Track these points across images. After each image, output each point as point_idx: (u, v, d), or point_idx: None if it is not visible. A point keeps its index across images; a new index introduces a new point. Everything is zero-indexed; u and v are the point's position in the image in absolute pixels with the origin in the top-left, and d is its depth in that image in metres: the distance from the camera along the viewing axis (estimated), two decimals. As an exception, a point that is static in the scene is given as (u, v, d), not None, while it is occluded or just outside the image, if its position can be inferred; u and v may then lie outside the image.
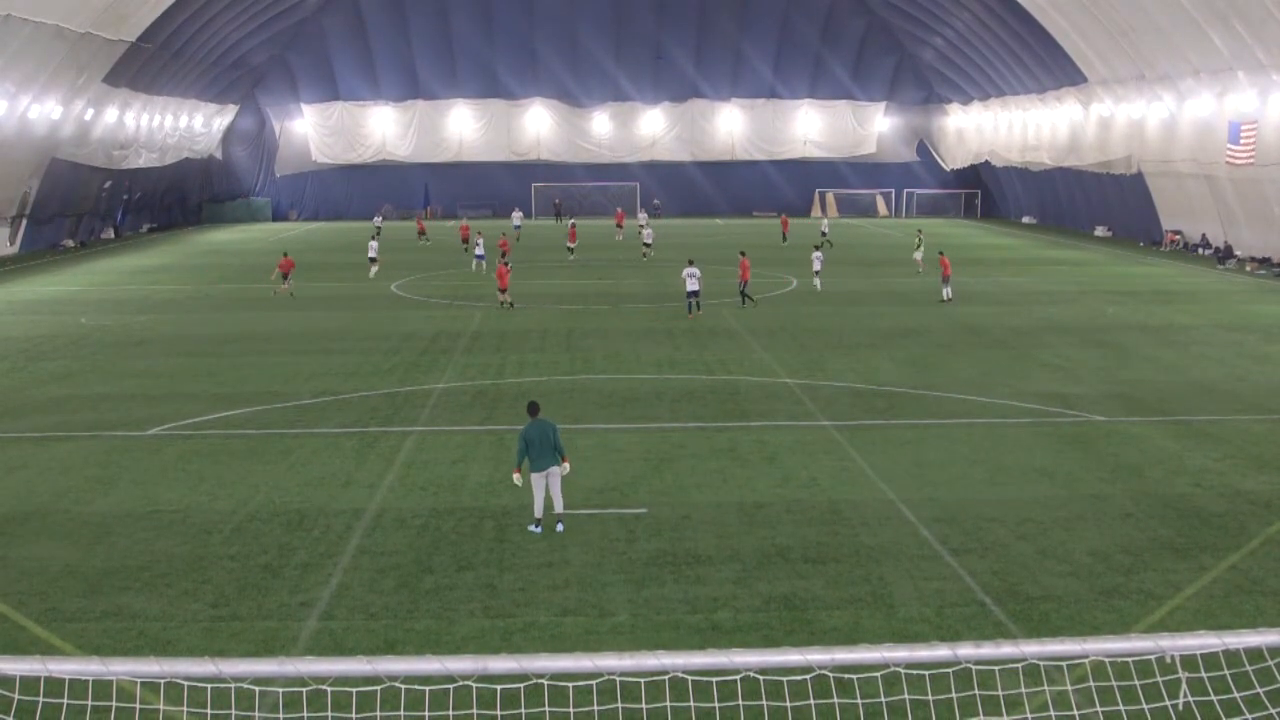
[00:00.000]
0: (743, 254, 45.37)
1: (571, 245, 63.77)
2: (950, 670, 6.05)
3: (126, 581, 16.40)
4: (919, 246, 57.43)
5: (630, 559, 17.15)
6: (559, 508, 18.21)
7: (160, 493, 20.68)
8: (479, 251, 57.14)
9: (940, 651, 5.70)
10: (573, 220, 75.17)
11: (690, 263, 42.97)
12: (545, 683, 6.26)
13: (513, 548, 17.59)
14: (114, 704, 7.67)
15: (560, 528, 18.14)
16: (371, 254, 55.57)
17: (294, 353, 34.95)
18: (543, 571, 16.66)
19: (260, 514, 19.42)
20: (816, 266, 49.98)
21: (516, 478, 18.15)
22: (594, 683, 5.96)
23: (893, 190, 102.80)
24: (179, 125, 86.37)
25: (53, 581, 16.43)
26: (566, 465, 18.32)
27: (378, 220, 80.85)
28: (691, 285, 41.62)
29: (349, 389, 29.46)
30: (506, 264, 45.16)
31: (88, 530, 18.71)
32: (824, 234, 67.98)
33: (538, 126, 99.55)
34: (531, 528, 18.19)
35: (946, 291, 45.10)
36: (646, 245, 64.36)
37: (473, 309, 43.77)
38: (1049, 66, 77.21)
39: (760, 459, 22.61)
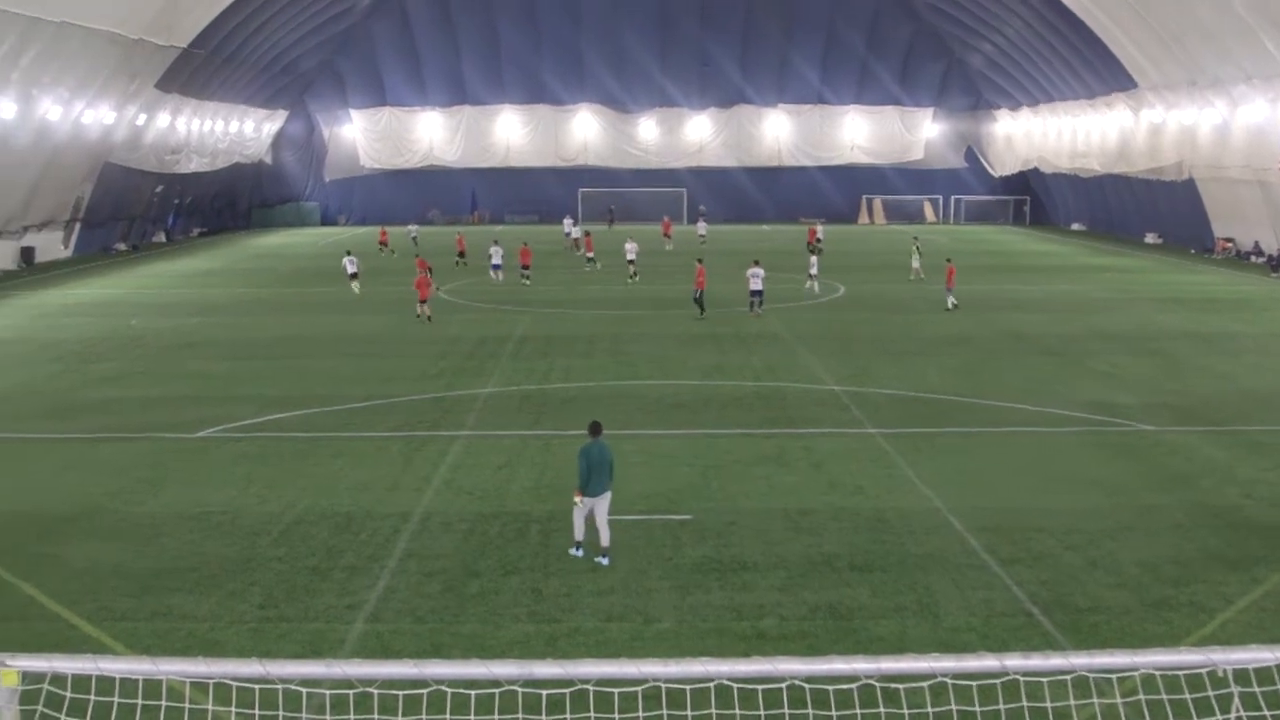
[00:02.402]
0: (699, 261, 45.77)
1: (591, 255, 61.80)
2: (998, 681, 5.98)
3: (176, 582, 16.57)
4: (916, 254, 56.05)
5: (675, 565, 17.14)
6: (605, 541, 17.26)
7: (209, 494, 20.86)
8: (496, 261, 55.04)
9: (988, 662, 5.65)
10: (588, 230, 72.76)
11: (755, 263, 44.09)
12: (590, 688, 6.26)
13: (558, 552, 17.61)
14: (164, 703, 7.74)
15: (605, 561, 17.16)
16: (351, 270, 51.57)
17: (342, 356, 35.18)
18: (588, 577, 16.68)
19: (308, 516, 19.56)
20: (813, 270, 50.83)
21: (578, 500, 17.26)
22: (639, 689, 5.96)
23: (940, 196, 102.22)
24: (229, 130, 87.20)
25: (103, 581, 16.61)
26: (608, 494, 17.33)
27: (412, 230, 77.43)
28: (755, 285, 43.02)
29: (396, 393, 29.61)
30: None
31: (138, 531, 18.90)
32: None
33: (585, 132, 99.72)
34: (573, 551, 17.43)
35: (951, 300, 44.60)
36: (630, 261, 56.21)
37: (519, 314, 43.88)
38: (1099, 72, 76.56)
39: (806, 466, 22.54)
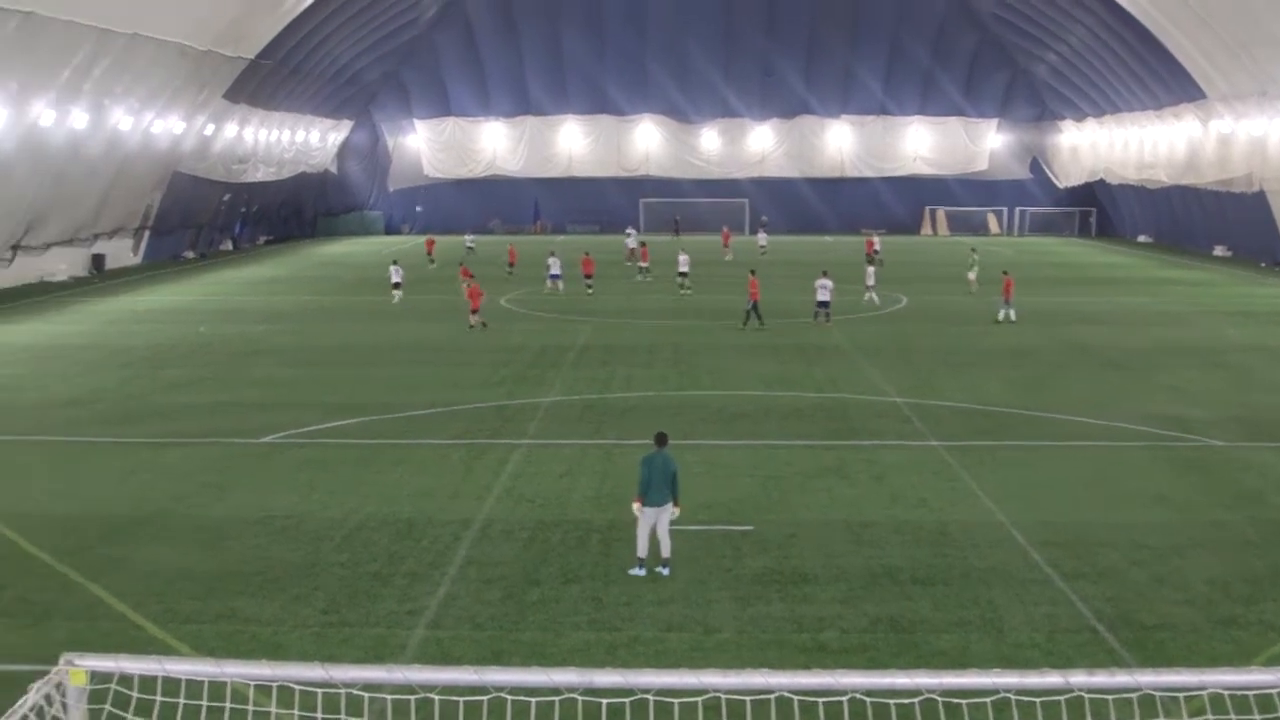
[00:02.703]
0: (752, 272, 45.09)
1: (645, 265, 61.84)
2: (1062, 698, 5.92)
3: (240, 585, 16.74)
4: (973, 266, 55.40)
5: (736, 576, 17.09)
6: (666, 551, 17.17)
7: (273, 499, 21.07)
8: (554, 271, 54.82)
9: (1052, 679, 5.60)
10: (644, 240, 72.24)
11: (824, 274, 44.34)
12: (650, 698, 6.25)
13: (619, 561, 17.61)
14: (228, 705, 7.82)
15: (665, 572, 17.06)
16: (395, 279, 51.64)
17: (405, 364, 35.44)
18: (648, 586, 16.67)
19: (370, 522, 19.69)
20: (870, 281, 50.50)
21: (637, 508, 17.14)
22: (699, 699, 5.95)
23: (1005, 208, 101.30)
24: (295, 140, 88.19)
25: (170, 583, 16.82)
26: (676, 510, 17.18)
27: (468, 240, 77.36)
28: (822, 295, 43.29)
29: (458, 400, 29.75)
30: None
31: (204, 534, 19.12)
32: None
33: (647, 142, 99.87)
34: (634, 570, 17.14)
35: (1006, 313, 44.03)
36: (681, 274, 55.27)
37: (581, 323, 44.01)
38: (1166, 82, 75.59)
39: (868, 478, 22.41)
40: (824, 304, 43.29)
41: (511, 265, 62.58)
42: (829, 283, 43.64)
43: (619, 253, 72.16)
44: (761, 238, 79.86)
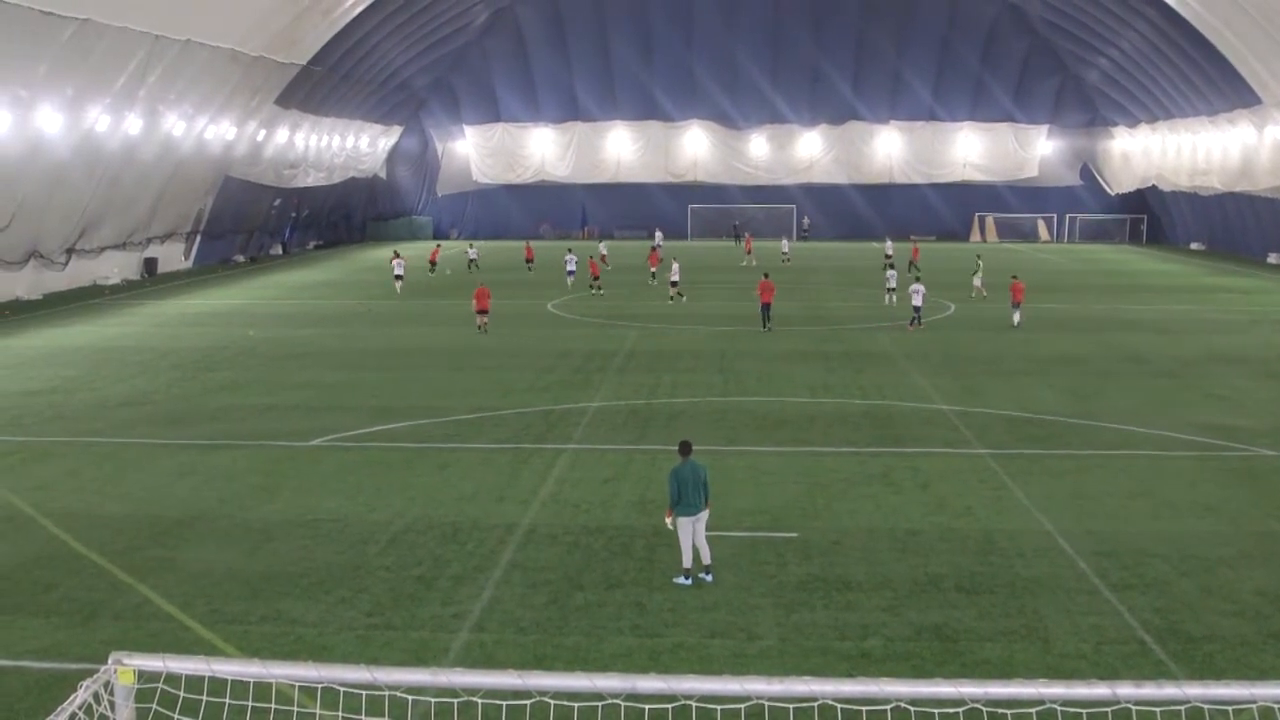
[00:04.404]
0: (765, 275, 46.02)
1: (654, 271, 62.02)
2: (1109, 709, 5.86)
3: (286, 587, 16.86)
4: (978, 271, 55.64)
5: (780, 583, 17.04)
6: (706, 558, 17.19)
7: (320, 502, 21.21)
8: (570, 268, 59.51)
9: (1099, 690, 5.54)
10: (656, 245, 73.08)
11: (917, 279, 45.23)
12: (693, 704, 6.25)
13: (662, 567, 17.59)
14: (273, 705, 7.88)
15: (709, 578, 17.06)
16: (398, 271, 56.88)
17: (452, 369, 35.56)
18: (691, 593, 16.64)
19: (416, 526, 19.77)
20: (892, 284, 51.16)
21: (669, 521, 17.22)
22: (742, 706, 5.94)
23: (1055, 215, 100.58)
24: (345, 145, 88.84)
25: (216, 584, 16.97)
26: (706, 512, 17.18)
27: (471, 253, 71.32)
28: (916, 300, 43.89)
29: (504, 405, 29.85)
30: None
31: (250, 536, 19.28)
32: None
33: (695, 148, 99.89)
34: (679, 579, 17.07)
35: (1016, 317, 44.30)
36: (673, 283, 53.87)
37: (627, 329, 44.04)
38: (1220, 88, 74.74)
39: (914, 486, 22.29)
40: (917, 310, 43.86)
41: (530, 261, 68.37)
42: (922, 288, 44.26)
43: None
44: (785, 245, 79.27)
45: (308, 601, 16.33)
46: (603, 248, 71.24)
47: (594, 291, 56.04)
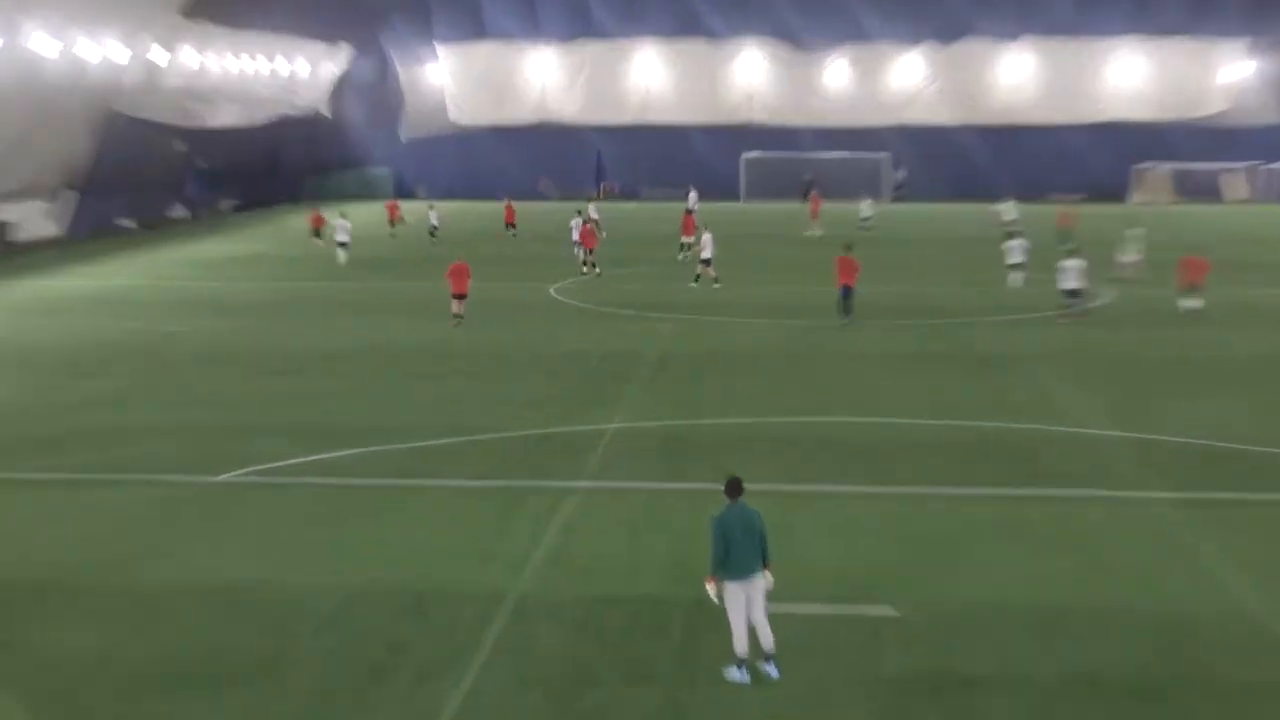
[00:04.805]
0: (848, 248, 45.39)
1: (687, 240, 62.44)
2: None
3: (179, 682, 16.63)
4: (1132, 242, 55.95)
5: (874, 678, 16.79)
6: (768, 643, 16.92)
7: (230, 561, 21.08)
8: (575, 236, 61.21)
9: None
10: (690, 209, 73.34)
11: (1070, 253, 45.13)
12: None
13: (709, 653, 17.33)
14: None
15: (774, 672, 16.80)
16: (341, 237, 60.69)
17: (417, 375, 35.66)
18: (749, 691, 16.40)
19: (365, 595, 19.60)
20: (1016, 258, 52.05)
21: (711, 588, 16.95)
22: None
23: (1253, 163, 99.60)
24: (276, 72, 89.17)
25: (84, 677, 16.77)
26: (769, 577, 17.00)
27: (432, 218, 73.26)
28: (1069, 282, 44.05)
29: (490, 426, 29.76)
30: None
31: (131, 610, 19.09)
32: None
33: (750, 78, 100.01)
34: (733, 672, 16.80)
35: (1189, 303, 44.78)
36: (704, 260, 54.49)
37: (657, 321, 43.98)
38: None
39: (1063, 544, 22.02)
40: (1074, 293, 44.01)
41: (511, 225, 71.58)
42: (1077, 262, 44.24)
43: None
44: (865, 206, 78.98)
45: (211, 702, 16.09)
46: (593, 209, 70.35)
47: (585, 271, 56.67)
